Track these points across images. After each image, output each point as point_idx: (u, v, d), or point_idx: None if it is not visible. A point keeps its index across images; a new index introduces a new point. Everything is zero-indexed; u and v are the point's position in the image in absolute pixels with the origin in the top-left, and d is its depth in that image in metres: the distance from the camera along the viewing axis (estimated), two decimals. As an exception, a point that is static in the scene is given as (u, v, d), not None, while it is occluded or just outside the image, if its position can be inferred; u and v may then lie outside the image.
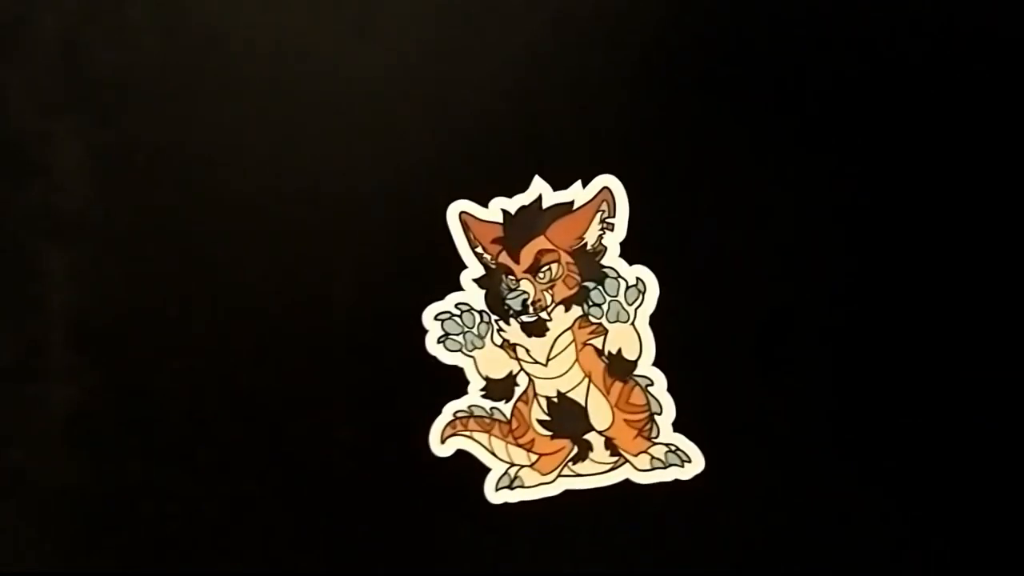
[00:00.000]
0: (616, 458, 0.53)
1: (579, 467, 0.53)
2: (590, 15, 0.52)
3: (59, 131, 0.54)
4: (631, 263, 0.52)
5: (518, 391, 0.53)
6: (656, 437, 0.53)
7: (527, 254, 0.52)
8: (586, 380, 0.53)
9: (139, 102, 0.53)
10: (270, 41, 0.53)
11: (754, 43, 0.51)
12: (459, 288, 0.52)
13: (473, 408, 0.53)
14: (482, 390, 0.53)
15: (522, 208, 0.52)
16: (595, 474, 0.53)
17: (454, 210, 0.52)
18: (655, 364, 0.52)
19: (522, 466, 0.53)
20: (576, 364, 0.53)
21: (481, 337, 0.52)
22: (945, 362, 0.52)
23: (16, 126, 0.54)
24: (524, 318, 0.52)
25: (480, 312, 0.52)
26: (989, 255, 0.52)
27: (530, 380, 0.53)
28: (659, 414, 0.52)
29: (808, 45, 0.51)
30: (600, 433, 0.53)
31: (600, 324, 0.52)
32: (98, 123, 0.53)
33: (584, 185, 0.51)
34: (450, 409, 0.53)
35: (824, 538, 0.53)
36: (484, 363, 0.53)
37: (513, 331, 0.53)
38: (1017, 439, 0.52)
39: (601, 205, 0.51)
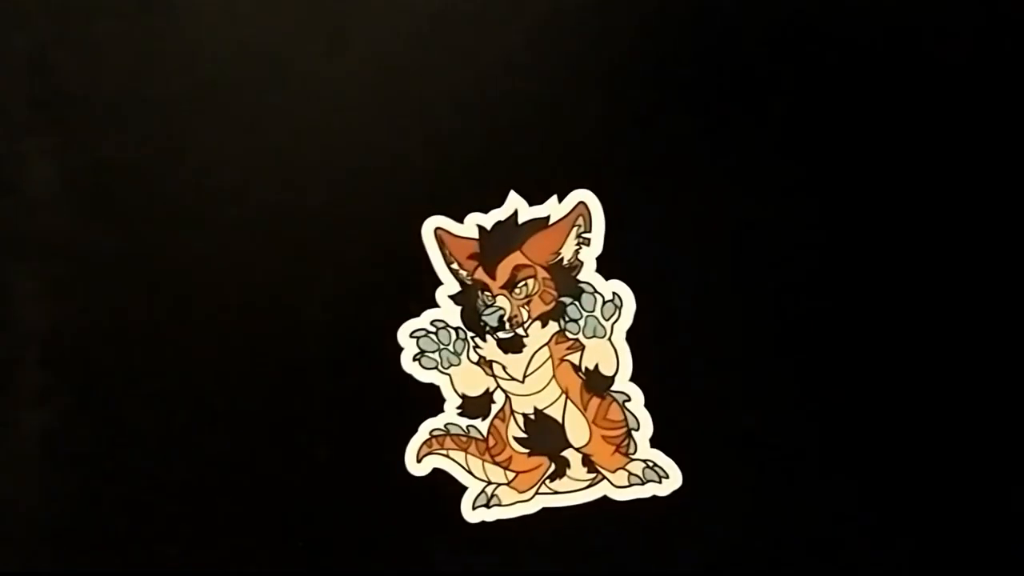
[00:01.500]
0: (594, 475, 0.53)
1: (556, 484, 0.53)
2: (566, 29, 0.52)
3: (29, 151, 0.53)
4: (607, 278, 0.51)
5: (495, 408, 0.53)
6: (634, 453, 0.52)
7: (503, 270, 0.52)
8: (563, 396, 0.52)
9: (110, 121, 0.53)
10: (243, 58, 0.52)
11: (732, 56, 0.51)
12: (435, 305, 0.52)
13: (449, 426, 0.53)
14: (458, 408, 0.53)
15: (498, 223, 0.51)
16: (573, 491, 0.53)
17: (429, 226, 0.51)
18: (632, 379, 0.52)
19: (499, 484, 0.53)
20: (553, 380, 0.52)
21: (457, 354, 0.52)
22: (931, 376, 0.52)
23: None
24: (500, 334, 0.52)
25: (456, 329, 0.52)
26: (969, 271, 0.52)
27: (507, 397, 0.53)
28: (636, 430, 0.52)
29: (786, 58, 0.51)
30: (577, 450, 0.53)
31: (577, 340, 0.52)
32: (68, 143, 0.53)
33: (560, 200, 0.51)
34: (426, 427, 0.53)
35: (802, 553, 0.53)
36: (460, 380, 0.52)
37: (489, 348, 0.52)
38: (994, 454, 0.52)
39: (577, 220, 0.51)
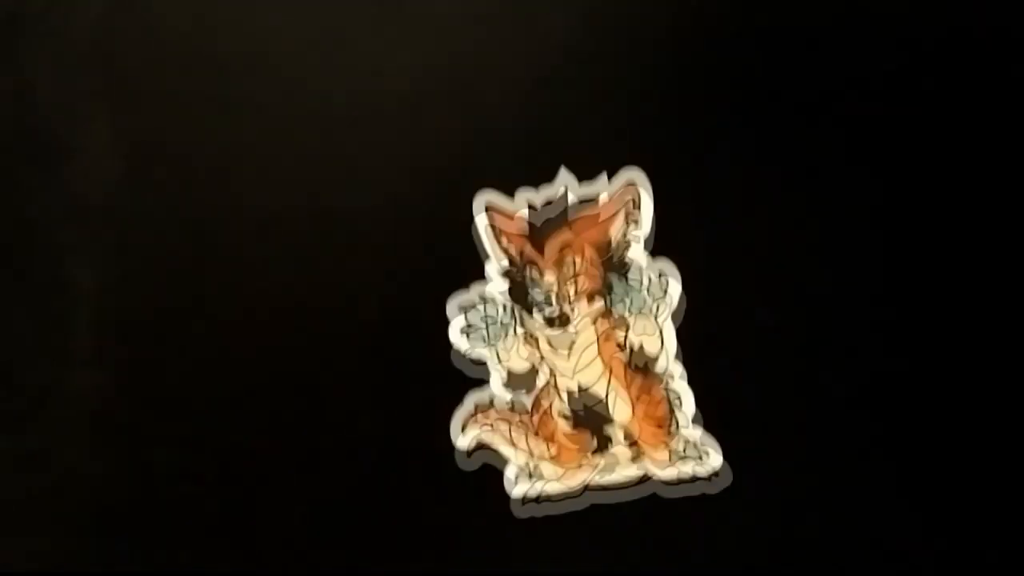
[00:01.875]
0: (636, 451, 0.53)
1: (599, 459, 0.53)
2: (617, 11, 0.53)
3: (85, 119, 0.54)
4: (655, 257, 0.52)
5: (540, 383, 0.53)
6: (676, 431, 0.53)
7: (552, 246, 0.52)
8: (607, 373, 0.53)
9: (165, 91, 0.54)
10: (295, 39, 0.54)
11: (782, 39, 0.52)
12: (483, 279, 0.53)
13: (495, 399, 0.53)
14: (504, 381, 0.53)
15: (548, 200, 0.52)
16: (615, 467, 0.53)
17: (480, 201, 0.52)
18: (676, 358, 0.52)
19: (542, 457, 0.53)
20: (598, 357, 0.53)
21: (504, 328, 0.53)
22: (975, 362, 0.52)
23: (44, 113, 0.55)
24: (547, 310, 0.53)
25: (504, 303, 0.53)
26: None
27: (552, 372, 0.53)
28: (679, 408, 0.53)
29: (838, 40, 0.52)
30: (620, 426, 0.53)
31: (622, 317, 0.53)
32: (124, 111, 0.54)
33: (610, 178, 0.52)
34: (472, 399, 0.53)
35: (845, 537, 0.53)
36: (507, 354, 0.53)
37: (536, 323, 0.53)
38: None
39: (626, 198, 0.52)
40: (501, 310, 0.53)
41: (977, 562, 0.52)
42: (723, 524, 0.53)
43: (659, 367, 0.53)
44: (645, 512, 0.53)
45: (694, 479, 0.53)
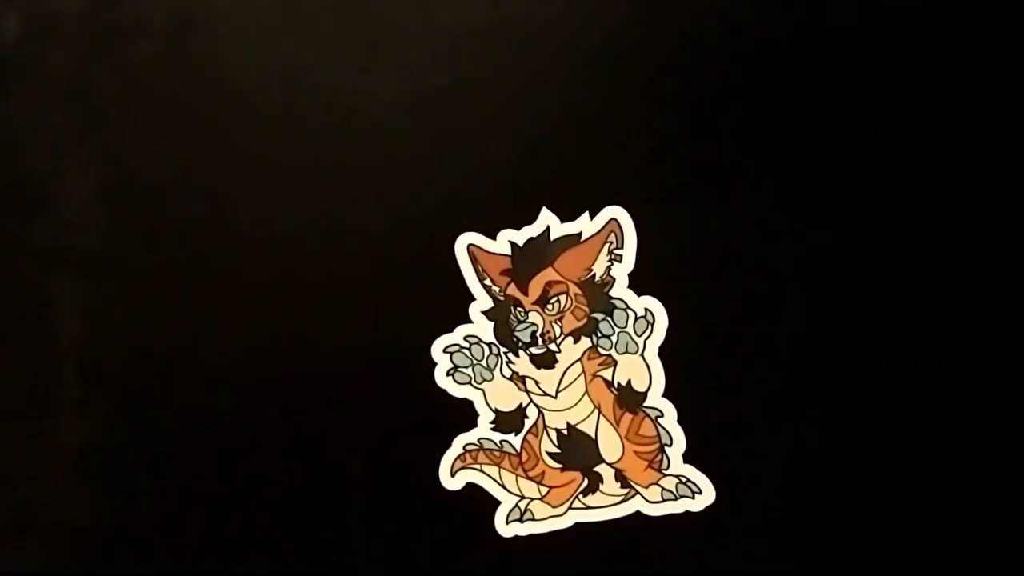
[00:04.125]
0: (627, 490, 0.53)
1: (589, 499, 0.53)
2: (596, 47, 0.52)
3: (69, 167, 0.54)
4: (639, 294, 0.52)
5: (528, 423, 0.53)
6: (667, 469, 0.52)
7: (535, 286, 0.52)
8: (596, 412, 0.52)
9: (149, 138, 0.54)
10: (278, 75, 0.53)
11: (761, 73, 0.51)
12: (468, 320, 0.52)
13: (483, 441, 0.53)
14: (492, 423, 0.53)
15: (530, 240, 0.52)
16: (606, 506, 0.53)
17: (462, 242, 0.52)
18: (665, 395, 0.52)
19: (532, 499, 0.53)
20: (586, 396, 0.52)
21: (490, 369, 0.52)
22: (967, 391, 0.52)
23: (26, 163, 0.54)
24: (533, 350, 0.52)
25: (489, 344, 0.52)
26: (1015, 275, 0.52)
27: (540, 412, 0.53)
28: (669, 445, 0.52)
29: (817, 74, 0.51)
30: (610, 465, 0.53)
31: (609, 355, 0.52)
32: (108, 159, 0.54)
33: (592, 216, 0.51)
34: (460, 442, 0.53)
35: (836, 569, 0.53)
36: (493, 395, 0.53)
37: (522, 363, 0.52)
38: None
39: (609, 236, 0.51)
40: (487, 351, 0.52)
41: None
42: (708, 543, 0.52)
43: (648, 405, 0.52)
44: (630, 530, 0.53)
45: (678, 498, 0.52)
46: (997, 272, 0.51)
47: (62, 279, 0.54)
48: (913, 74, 0.51)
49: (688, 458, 0.52)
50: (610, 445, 0.53)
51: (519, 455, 0.53)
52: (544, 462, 0.53)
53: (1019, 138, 0.51)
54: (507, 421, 0.53)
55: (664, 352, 0.52)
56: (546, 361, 0.52)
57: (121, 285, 0.54)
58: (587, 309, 0.52)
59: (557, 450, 0.53)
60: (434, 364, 0.52)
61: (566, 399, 0.53)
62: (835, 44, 0.51)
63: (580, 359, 0.52)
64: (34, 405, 0.54)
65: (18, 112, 0.54)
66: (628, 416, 0.52)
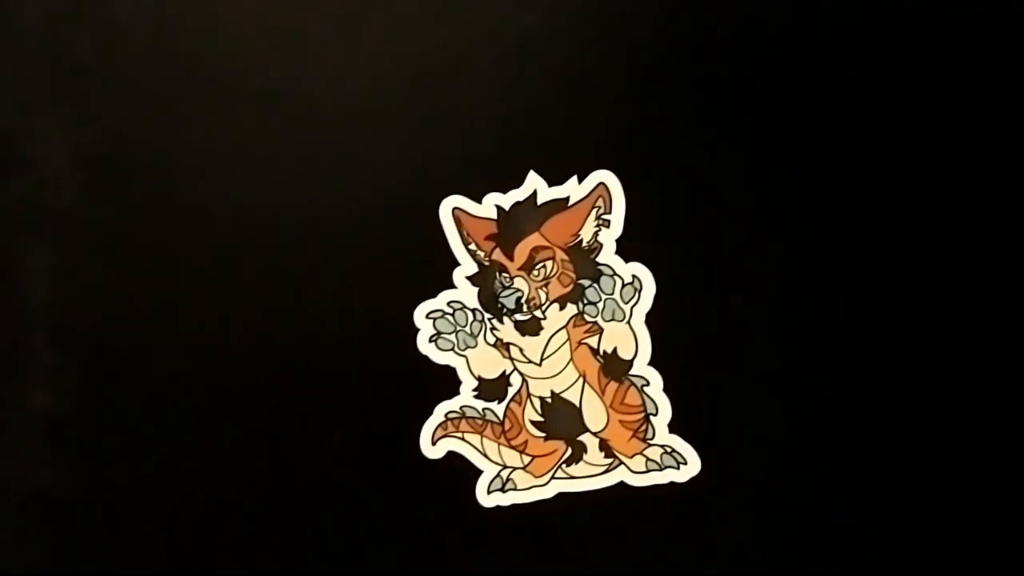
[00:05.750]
0: (611, 460, 0.52)
1: (573, 469, 0.52)
2: (584, 9, 0.51)
3: (42, 127, 0.53)
4: (627, 260, 0.51)
5: (511, 391, 0.52)
6: (652, 438, 0.52)
7: (521, 251, 0.51)
8: (580, 380, 0.52)
9: (124, 97, 0.53)
10: (260, 36, 0.52)
11: (752, 37, 0.51)
12: (452, 286, 0.51)
13: (465, 409, 0.52)
14: (474, 390, 0.52)
15: (516, 204, 0.51)
16: (589, 476, 0.52)
17: (447, 206, 0.51)
18: (651, 364, 0.51)
19: (515, 468, 0.52)
20: (570, 364, 0.52)
21: (474, 336, 0.52)
22: (949, 361, 0.51)
23: (-1, 122, 0.53)
24: (518, 316, 0.52)
25: (473, 310, 0.51)
26: (1005, 261, 0.51)
27: (523, 380, 0.52)
28: (655, 415, 0.52)
29: (808, 40, 0.51)
30: (594, 434, 0.52)
31: (595, 323, 0.51)
32: (82, 119, 0.53)
33: (580, 181, 0.51)
34: (442, 410, 0.52)
35: (820, 541, 0.52)
36: (477, 362, 0.52)
37: (506, 330, 0.52)
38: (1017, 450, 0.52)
39: (597, 201, 0.51)
40: (470, 317, 0.51)
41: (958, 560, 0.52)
42: (692, 514, 0.52)
43: (634, 374, 0.51)
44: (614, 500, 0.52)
45: (663, 468, 0.52)
46: (994, 264, 0.51)
47: (33, 242, 0.53)
48: (939, 48, 0.51)
49: (673, 428, 0.52)
50: (594, 414, 0.52)
51: (502, 424, 0.52)
52: (527, 431, 0.52)
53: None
54: (490, 389, 0.52)
55: (651, 320, 0.51)
56: (531, 328, 0.52)
57: (94, 248, 0.53)
58: (573, 275, 0.51)
59: (541, 419, 0.52)
60: (417, 330, 0.51)
61: (550, 367, 0.52)
62: (831, 11, 0.51)
63: (565, 326, 0.52)
64: (4, 371, 0.53)
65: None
66: (613, 385, 0.52)
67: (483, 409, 0.52)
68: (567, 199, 0.51)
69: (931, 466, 0.52)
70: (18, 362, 0.53)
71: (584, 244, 0.51)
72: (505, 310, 0.52)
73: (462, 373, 0.52)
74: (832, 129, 0.51)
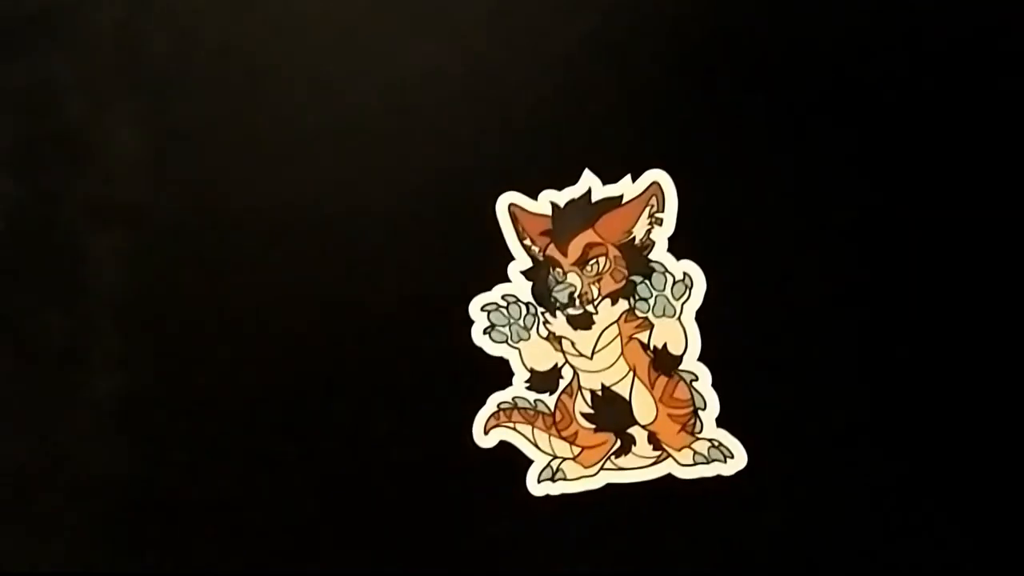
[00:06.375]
0: (659, 452, 0.53)
1: (621, 461, 0.53)
2: (640, 10, 0.52)
3: (113, 119, 0.54)
4: (679, 258, 0.52)
5: (562, 384, 0.53)
6: (699, 432, 0.53)
7: (575, 247, 0.52)
8: (631, 374, 0.53)
9: (192, 91, 0.54)
10: (326, 36, 0.53)
11: (808, 39, 0.52)
12: (506, 280, 0.53)
13: (517, 400, 0.53)
14: (527, 382, 0.53)
15: (571, 201, 0.52)
16: (637, 468, 0.53)
17: (503, 202, 0.52)
18: (700, 359, 0.52)
19: (565, 458, 0.53)
20: (621, 358, 0.53)
21: (527, 329, 0.53)
22: (993, 360, 0.52)
23: (69, 113, 0.54)
24: (570, 311, 0.53)
25: (527, 304, 0.53)
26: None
27: (575, 373, 0.53)
28: (703, 409, 0.53)
29: (857, 40, 0.51)
30: (643, 427, 0.53)
31: (646, 318, 0.52)
32: (152, 111, 0.54)
33: (634, 179, 0.52)
34: (494, 400, 0.53)
35: (864, 537, 0.53)
36: (529, 355, 0.53)
37: (559, 323, 0.53)
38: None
39: (650, 200, 0.52)
40: (524, 311, 0.53)
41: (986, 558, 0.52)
42: (738, 507, 0.53)
43: (683, 369, 0.52)
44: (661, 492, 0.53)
45: (710, 462, 0.53)
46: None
47: (102, 231, 0.54)
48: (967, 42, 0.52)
49: (721, 422, 0.53)
50: (644, 407, 0.53)
51: (553, 415, 0.53)
52: (577, 422, 0.53)
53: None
54: (542, 381, 0.53)
55: (700, 317, 0.52)
56: (583, 322, 0.53)
57: (161, 238, 0.54)
58: (625, 271, 0.52)
59: (591, 411, 0.53)
60: (471, 322, 0.53)
61: (601, 360, 0.53)
62: (880, 9, 0.52)
63: (617, 321, 0.53)
64: (71, 357, 0.54)
65: (63, 62, 0.54)
66: (663, 379, 0.53)
67: (535, 400, 0.53)
68: (621, 197, 0.52)
69: (984, 466, 0.52)
70: (85, 349, 0.54)
71: (636, 241, 0.52)
72: (558, 304, 0.53)
73: (515, 365, 0.53)
74: (887, 132, 0.52)
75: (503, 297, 0.53)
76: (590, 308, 0.53)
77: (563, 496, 0.53)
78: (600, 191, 0.52)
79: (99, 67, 0.54)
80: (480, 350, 0.53)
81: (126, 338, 0.54)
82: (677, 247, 0.52)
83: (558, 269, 0.52)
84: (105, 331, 0.54)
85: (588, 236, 0.52)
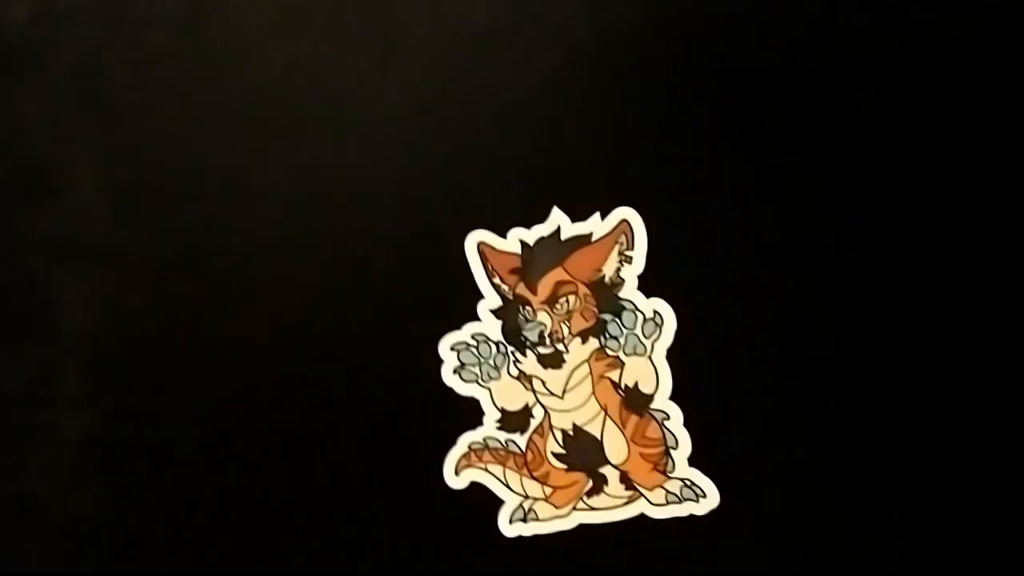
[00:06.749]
0: (631, 492, 0.53)
1: (594, 501, 0.53)
2: (608, 48, 0.52)
3: (75, 157, 0.54)
4: (648, 296, 0.51)
5: (533, 423, 0.53)
6: (671, 472, 0.52)
7: (545, 285, 0.52)
8: (602, 413, 0.52)
9: (156, 128, 0.53)
10: (291, 68, 0.53)
11: (772, 75, 0.51)
12: (476, 318, 0.52)
13: (488, 440, 0.53)
14: (497, 422, 0.53)
15: (540, 239, 0.52)
16: (610, 508, 0.53)
17: (472, 240, 0.52)
18: (671, 398, 0.52)
19: (536, 499, 0.53)
20: (592, 397, 0.52)
21: (497, 368, 0.52)
22: (974, 395, 0.52)
23: (33, 151, 0.54)
24: (541, 349, 0.52)
25: (496, 343, 0.52)
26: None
27: (546, 412, 0.53)
28: (675, 448, 0.52)
29: (826, 75, 0.51)
30: (615, 467, 0.53)
31: (617, 357, 0.52)
32: (115, 149, 0.54)
33: (603, 217, 0.51)
34: (465, 440, 0.53)
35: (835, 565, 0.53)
36: (500, 394, 0.52)
37: (529, 363, 0.52)
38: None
39: (620, 237, 0.51)
40: (494, 350, 0.52)
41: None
42: (711, 547, 0.53)
43: (654, 408, 0.52)
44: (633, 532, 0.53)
45: (682, 501, 0.52)
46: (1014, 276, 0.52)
47: (67, 269, 0.54)
48: (923, 69, 0.51)
49: (693, 461, 0.52)
50: (615, 447, 0.53)
51: (524, 455, 0.53)
52: (549, 462, 0.53)
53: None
54: (513, 420, 0.53)
55: (672, 355, 0.52)
56: (554, 361, 0.52)
57: (127, 276, 0.54)
58: (596, 310, 0.52)
59: (562, 451, 0.53)
60: (441, 361, 0.52)
61: (573, 400, 0.52)
62: (847, 42, 0.51)
63: (588, 360, 0.52)
64: (37, 397, 0.54)
65: (26, 99, 0.54)
66: (634, 418, 0.52)
67: (506, 440, 0.53)
68: (590, 235, 0.52)
69: (957, 502, 0.52)
70: (51, 388, 0.54)
71: (606, 279, 0.52)
72: (528, 343, 0.52)
73: (485, 404, 0.53)
74: (858, 168, 0.51)
75: (473, 336, 0.52)
76: (560, 347, 0.52)
77: (535, 537, 0.53)
78: (569, 229, 0.52)
79: (63, 103, 0.54)
80: (450, 390, 0.52)
81: (92, 376, 0.54)
82: (647, 285, 0.52)
83: (528, 308, 0.52)
84: (71, 370, 0.54)
85: (558, 274, 0.52)
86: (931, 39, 0.52)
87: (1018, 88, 0.51)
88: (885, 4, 0.52)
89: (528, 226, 0.52)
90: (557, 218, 0.52)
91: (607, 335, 0.52)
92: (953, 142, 0.52)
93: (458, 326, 0.52)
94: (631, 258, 0.51)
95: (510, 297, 0.52)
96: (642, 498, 0.53)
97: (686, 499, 0.52)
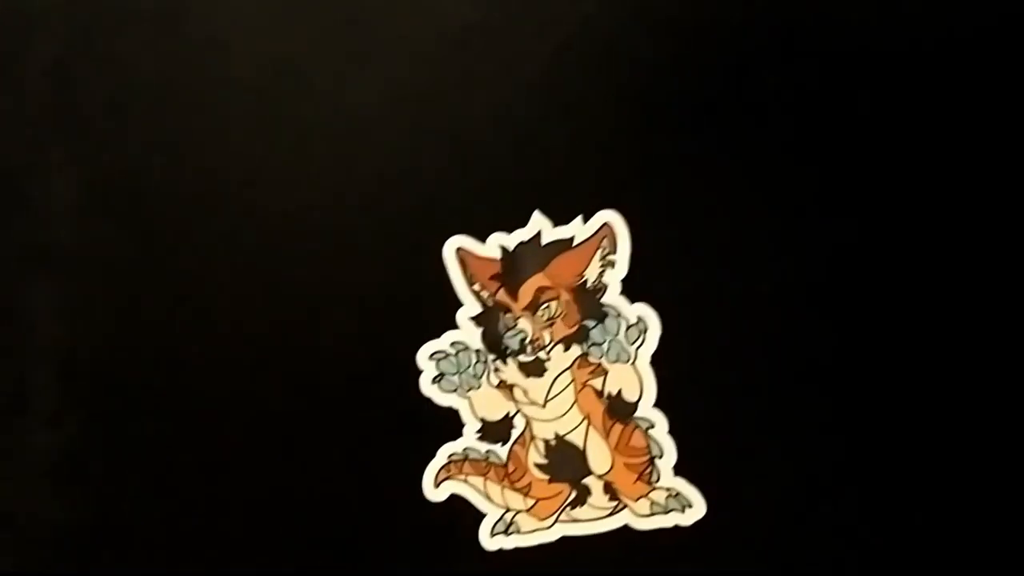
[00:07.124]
0: (615, 503, 0.52)
1: (577, 512, 0.52)
2: (591, 50, 0.51)
3: (47, 163, 0.53)
4: (632, 301, 0.50)
5: (515, 433, 0.52)
6: (656, 482, 0.51)
7: (526, 292, 0.51)
8: (585, 422, 0.51)
9: (130, 134, 0.52)
10: (265, 72, 0.52)
11: (757, 80, 0.51)
12: (455, 327, 0.51)
13: (468, 451, 0.51)
14: (478, 432, 0.51)
15: (521, 244, 0.51)
16: (593, 519, 0.52)
17: (451, 246, 0.50)
18: (656, 405, 0.51)
19: (518, 511, 0.52)
20: (575, 405, 0.51)
21: (477, 377, 0.51)
22: (960, 406, 0.51)
23: (4, 159, 0.53)
24: (522, 357, 0.51)
25: (477, 351, 0.51)
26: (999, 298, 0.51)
27: (527, 422, 0.51)
28: (660, 457, 0.51)
29: (814, 81, 0.51)
30: (599, 477, 0.51)
31: (600, 364, 0.51)
32: (87, 156, 0.53)
33: (585, 221, 0.50)
34: (445, 452, 0.51)
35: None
36: (480, 404, 0.51)
37: (510, 371, 0.51)
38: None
39: (602, 242, 0.50)
40: (474, 358, 0.51)
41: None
42: (697, 558, 0.52)
43: (639, 416, 0.51)
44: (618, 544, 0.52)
45: (667, 511, 0.51)
46: (1001, 280, 0.51)
47: (39, 278, 0.53)
48: (913, 74, 0.51)
49: (679, 471, 0.51)
50: (599, 456, 0.51)
51: (505, 466, 0.52)
52: (531, 473, 0.52)
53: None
54: (494, 431, 0.52)
55: (656, 361, 0.51)
56: (535, 369, 0.51)
57: (100, 285, 0.52)
58: (578, 316, 0.51)
59: (544, 461, 0.52)
60: (420, 371, 0.51)
61: (555, 409, 0.51)
62: (835, 44, 0.51)
63: (570, 367, 0.51)
64: (9, 408, 0.53)
65: (-5, 105, 0.53)
66: (618, 427, 0.51)
67: (487, 451, 0.52)
68: (572, 239, 0.50)
69: (945, 512, 0.51)
70: (23, 400, 0.53)
71: (589, 285, 0.51)
72: (509, 351, 0.51)
73: (465, 415, 0.51)
74: (845, 173, 0.51)
75: (452, 345, 0.51)
76: (542, 354, 0.51)
77: (517, 550, 0.52)
78: (551, 233, 0.51)
79: (34, 110, 0.53)
80: (429, 400, 0.51)
81: (64, 390, 0.53)
82: (631, 290, 0.50)
83: (508, 315, 0.51)
84: (43, 383, 0.53)
85: (539, 280, 0.51)
86: (923, 38, 0.51)
87: (1018, 88, 0.51)
88: (874, 3, 0.51)
89: (508, 231, 0.51)
90: (538, 222, 0.50)
91: (590, 342, 0.51)
92: (953, 142, 0.51)
93: (437, 335, 0.51)
94: (614, 263, 0.50)
95: (490, 304, 0.51)
96: (627, 509, 0.52)
97: (671, 509, 0.51)
